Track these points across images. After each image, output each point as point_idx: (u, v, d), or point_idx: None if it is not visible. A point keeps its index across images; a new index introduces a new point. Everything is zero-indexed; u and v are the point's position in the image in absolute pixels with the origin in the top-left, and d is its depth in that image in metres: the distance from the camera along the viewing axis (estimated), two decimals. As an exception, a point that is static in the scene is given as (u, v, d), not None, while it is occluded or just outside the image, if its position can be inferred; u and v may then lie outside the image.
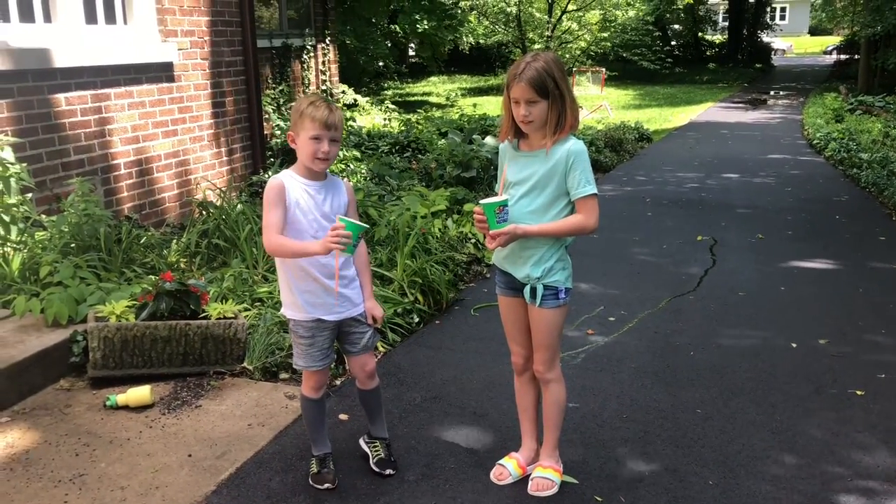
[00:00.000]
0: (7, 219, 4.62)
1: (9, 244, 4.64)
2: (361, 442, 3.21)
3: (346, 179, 2.98)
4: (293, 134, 2.77)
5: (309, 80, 10.44)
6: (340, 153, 8.68)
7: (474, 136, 9.27)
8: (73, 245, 4.76)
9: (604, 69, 22.95)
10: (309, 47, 10.32)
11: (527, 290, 2.81)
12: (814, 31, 62.32)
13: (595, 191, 2.72)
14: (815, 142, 12.67)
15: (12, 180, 4.59)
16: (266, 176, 7.34)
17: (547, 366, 2.90)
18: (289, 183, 2.77)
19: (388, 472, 3.05)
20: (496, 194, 2.80)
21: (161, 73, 6.42)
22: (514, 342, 2.99)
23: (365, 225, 2.69)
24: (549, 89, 2.63)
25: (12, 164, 4.62)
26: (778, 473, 3.08)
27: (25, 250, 4.65)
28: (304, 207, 2.76)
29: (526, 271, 2.79)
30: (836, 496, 2.93)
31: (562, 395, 2.96)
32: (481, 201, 2.70)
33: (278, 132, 8.89)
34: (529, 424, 3.09)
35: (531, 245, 2.77)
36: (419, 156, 9.40)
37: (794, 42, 51.17)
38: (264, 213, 2.75)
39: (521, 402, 3.08)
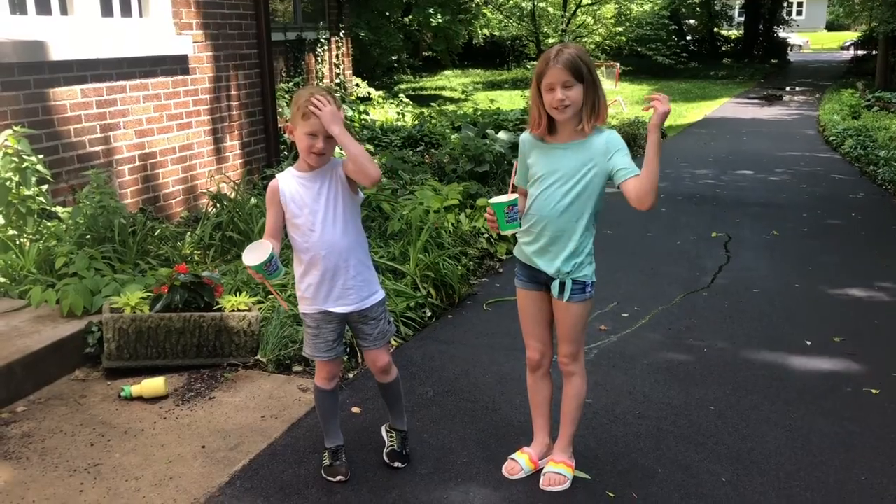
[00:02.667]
0: (23, 210, 4.66)
1: (25, 235, 4.67)
2: (383, 430, 3.22)
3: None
4: (291, 126, 2.75)
5: (323, 73, 10.45)
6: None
7: (488, 131, 9.25)
8: (88, 236, 4.79)
9: (618, 64, 22.85)
10: (323, 40, 10.33)
11: (555, 284, 2.80)
12: (831, 27, 61.76)
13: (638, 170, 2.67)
14: (831, 138, 12.56)
15: (28, 172, 4.63)
16: (279, 169, 7.35)
17: (571, 358, 2.90)
18: (284, 182, 2.78)
19: (396, 464, 3.06)
20: (508, 189, 2.80)
21: (176, 65, 6.44)
22: (531, 337, 2.98)
23: (249, 264, 2.64)
24: (583, 73, 2.63)
25: (28, 155, 4.65)
26: (791, 471, 3.06)
27: (41, 241, 4.69)
28: (300, 202, 2.77)
29: (557, 265, 2.77)
30: (849, 495, 2.91)
31: (583, 389, 2.96)
32: (490, 200, 2.70)
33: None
34: (542, 420, 3.09)
35: (566, 238, 2.75)
36: (432, 150, 9.40)
37: (811, 38, 50.70)
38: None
39: (535, 399, 3.08)
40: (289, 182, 2.78)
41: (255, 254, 2.66)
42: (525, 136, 2.86)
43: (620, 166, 2.67)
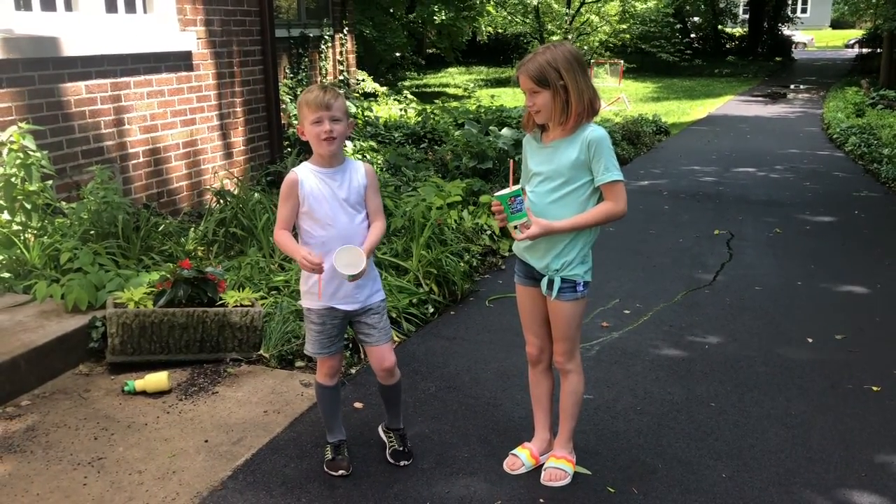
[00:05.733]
0: (28, 206, 4.68)
1: (29, 230, 4.70)
2: (380, 430, 3.23)
3: (366, 163, 2.97)
4: (301, 127, 2.81)
5: (326, 70, 10.46)
6: (357, 144, 8.70)
7: (491, 128, 9.26)
8: (92, 232, 4.82)
9: (622, 62, 22.81)
10: (327, 37, 10.33)
11: (544, 281, 2.82)
12: (836, 25, 61.53)
13: (619, 177, 2.72)
14: (835, 136, 12.54)
15: (33, 168, 4.64)
16: (282, 165, 7.38)
17: (566, 357, 2.91)
18: (303, 175, 2.81)
19: (402, 463, 3.06)
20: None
21: (180, 61, 6.45)
22: (529, 332, 3.00)
23: (353, 273, 2.68)
24: (549, 80, 2.65)
25: (33, 151, 4.67)
26: (791, 468, 3.07)
27: (46, 237, 4.71)
28: (319, 197, 2.80)
29: (546, 262, 2.80)
30: (849, 492, 2.92)
31: (580, 386, 2.97)
32: (496, 193, 2.72)
33: (295, 122, 8.92)
34: (543, 415, 3.10)
35: (554, 238, 2.77)
36: (435, 147, 9.40)
37: (816, 35, 50.53)
38: (278, 206, 2.85)
39: (535, 393, 3.09)
40: (308, 176, 2.81)
41: (349, 258, 2.69)
42: (527, 137, 2.90)
43: (595, 172, 2.72)
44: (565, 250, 2.78)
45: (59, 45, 5.27)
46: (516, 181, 2.86)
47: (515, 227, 2.73)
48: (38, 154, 4.68)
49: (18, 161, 4.60)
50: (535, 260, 2.84)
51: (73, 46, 5.36)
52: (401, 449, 3.10)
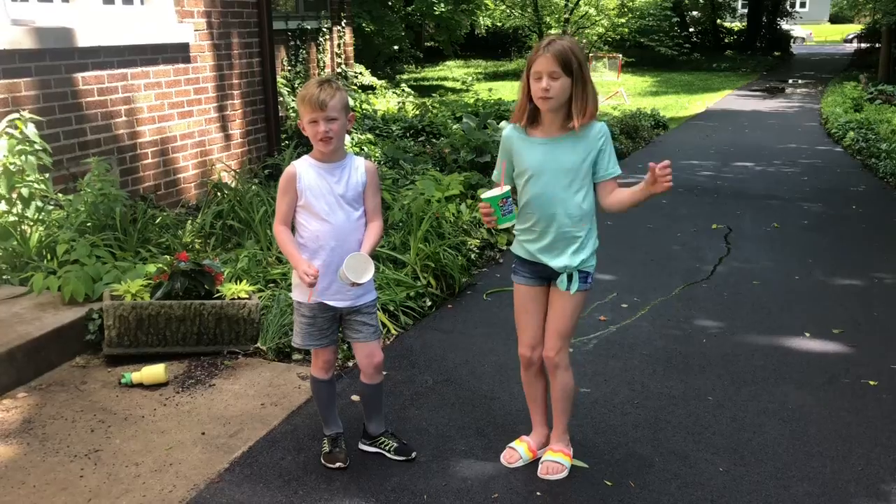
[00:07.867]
0: (25, 196, 4.66)
1: (26, 222, 4.68)
2: (364, 447, 3.12)
3: (369, 160, 2.96)
4: (301, 123, 2.80)
5: (324, 62, 10.45)
6: (355, 136, 8.68)
7: (489, 121, 9.24)
8: (89, 224, 4.80)
9: (620, 55, 22.77)
10: (325, 30, 10.31)
11: (562, 277, 2.80)
12: (834, 20, 61.55)
13: (620, 171, 2.81)
14: (833, 131, 12.54)
15: (32, 158, 4.62)
16: (280, 158, 7.36)
17: (560, 353, 2.90)
18: (301, 169, 2.81)
19: (413, 455, 3.05)
20: (498, 184, 2.77)
21: (177, 53, 6.43)
22: (525, 333, 2.96)
23: (361, 281, 2.67)
24: (572, 67, 2.62)
25: (33, 142, 4.64)
26: (788, 462, 3.07)
27: (43, 228, 4.69)
28: (316, 191, 2.79)
29: (565, 261, 2.78)
30: (846, 486, 2.92)
31: (570, 382, 2.96)
32: (483, 195, 2.69)
33: (293, 114, 8.90)
34: (539, 413, 3.10)
35: (574, 234, 2.76)
36: (433, 140, 9.39)
37: (814, 30, 50.54)
38: (277, 200, 2.86)
39: (531, 394, 3.09)
40: (306, 170, 2.80)
41: (356, 264, 2.67)
42: (511, 132, 2.82)
43: (604, 165, 2.74)
44: (582, 245, 2.78)
45: (56, 36, 5.25)
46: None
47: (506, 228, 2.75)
48: (36, 143, 4.66)
49: (18, 150, 4.58)
50: (551, 259, 2.79)
51: (70, 38, 5.33)
52: (401, 444, 3.08)
